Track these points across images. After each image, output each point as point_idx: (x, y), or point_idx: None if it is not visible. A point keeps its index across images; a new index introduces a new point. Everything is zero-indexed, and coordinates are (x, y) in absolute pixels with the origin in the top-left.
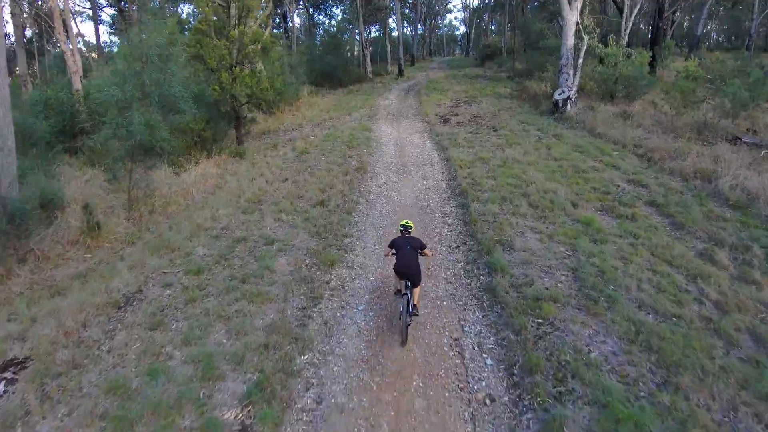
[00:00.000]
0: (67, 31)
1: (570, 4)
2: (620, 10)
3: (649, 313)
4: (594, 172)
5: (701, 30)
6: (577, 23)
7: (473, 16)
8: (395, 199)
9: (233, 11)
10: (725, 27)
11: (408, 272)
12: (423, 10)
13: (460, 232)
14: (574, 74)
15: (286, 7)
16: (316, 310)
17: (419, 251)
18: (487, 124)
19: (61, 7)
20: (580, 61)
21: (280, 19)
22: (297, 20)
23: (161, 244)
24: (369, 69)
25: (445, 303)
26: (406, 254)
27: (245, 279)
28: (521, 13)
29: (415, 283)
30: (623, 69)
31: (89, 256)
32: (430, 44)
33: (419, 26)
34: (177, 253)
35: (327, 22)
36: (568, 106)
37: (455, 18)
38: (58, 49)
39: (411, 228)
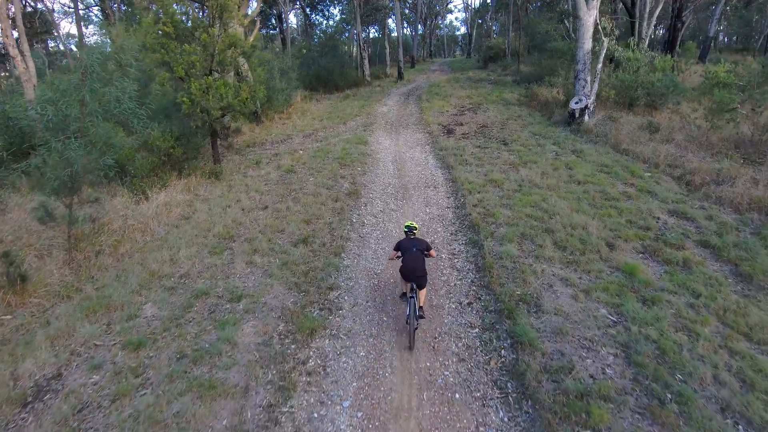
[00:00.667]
0: (18, 31)
1: (587, 3)
2: (629, 11)
3: (738, 424)
4: (627, 199)
5: (713, 31)
6: (595, 24)
7: (474, 16)
8: (394, 233)
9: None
10: (732, 28)
11: (415, 275)
12: (423, 10)
13: (472, 281)
14: (593, 81)
15: (281, 7)
16: (285, 409)
17: (425, 253)
18: (495, 137)
19: None
20: (599, 66)
21: (275, 19)
22: (294, 20)
23: (101, 301)
24: (367, 72)
25: (457, 395)
26: (413, 256)
27: (197, 358)
28: (525, 13)
29: (422, 285)
30: (646, 75)
31: (8, 317)
32: (430, 45)
33: (419, 26)
34: (119, 314)
35: (325, 22)
36: (586, 117)
37: (455, 18)
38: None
39: (416, 229)
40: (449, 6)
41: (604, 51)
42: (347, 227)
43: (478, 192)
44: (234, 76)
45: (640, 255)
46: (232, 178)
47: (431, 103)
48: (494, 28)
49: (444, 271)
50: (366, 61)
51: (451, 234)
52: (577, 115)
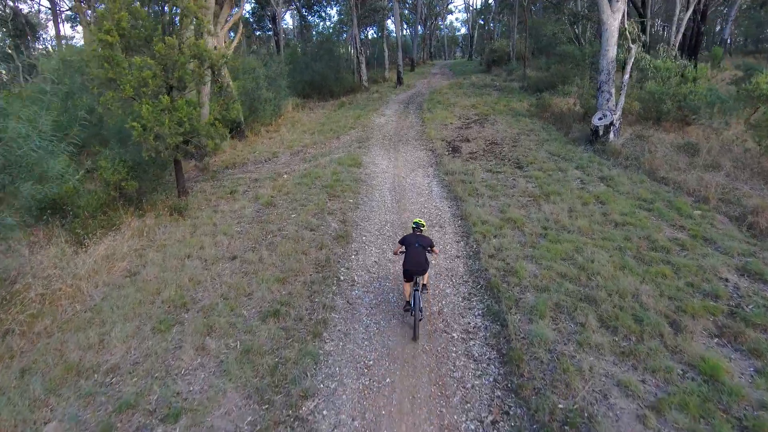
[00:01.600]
0: None
1: (611, 4)
2: (639, 12)
3: None
4: (680, 250)
5: (727, 33)
6: (620, 29)
7: (476, 17)
8: (391, 297)
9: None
10: (742, 30)
11: (418, 269)
12: (423, 10)
13: (495, 381)
14: (618, 94)
15: (274, 8)
16: None
17: (428, 250)
18: (508, 157)
19: None
20: (626, 77)
21: (269, 21)
22: (290, 21)
23: None
24: (364, 77)
25: None
26: (416, 252)
27: None
28: (530, 14)
29: (422, 274)
30: (678, 86)
31: None
32: (430, 46)
33: (419, 28)
34: None
35: (321, 23)
36: (611, 135)
37: (456, 19)
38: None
39: (423, 226)
40: (449, 6)
41: (632, 59)
42: (332, 289)
43: (494, 236)
44: (214, 87)
45: (716, 340)
46: (199, 214)
47: (433, 113)
48: (494, 28)
49: (457, 362)
50: (363, 66)
51: (464, 299)
52: (601, 133)
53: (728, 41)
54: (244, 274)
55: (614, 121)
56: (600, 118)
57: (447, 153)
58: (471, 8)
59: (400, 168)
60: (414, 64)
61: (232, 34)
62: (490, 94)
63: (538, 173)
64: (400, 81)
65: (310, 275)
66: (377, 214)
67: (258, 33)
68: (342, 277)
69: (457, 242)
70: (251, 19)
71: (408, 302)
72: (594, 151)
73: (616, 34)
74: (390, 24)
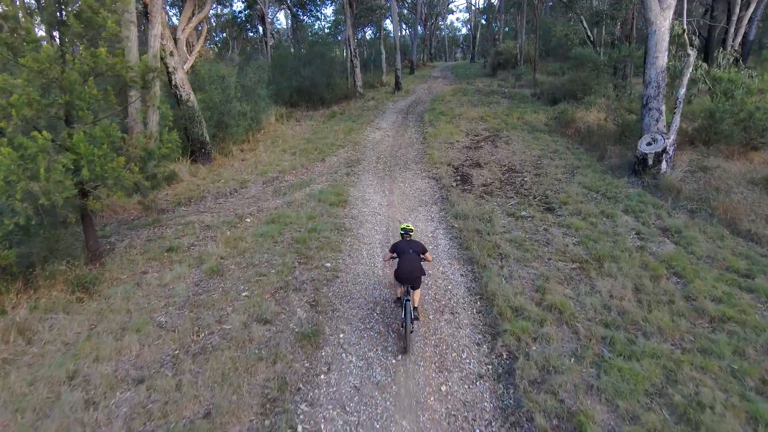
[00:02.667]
0: None
1: (660, 1)
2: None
3: None
4: None
5: (753, 34)
6: (671, 32)
7: (477, 15)
8: None
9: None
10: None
11: (412, 277)
12: (423, 10)
13: None
14: (672, 113)
15: (263, 7)
16: None
17: (421, 255)
18: (533, 192)
19: None
20: (682, 92)
21: (258, 21)
22: (284, 21)
23: None
24: (359, 82)
25: None
26: (410, 259)
27: None
28: (538, 13)
29: (416, 286)
30: (745, 102)
31: None
32: (430, 48)
33: (419, 28)
34: None
35: (317, 23)
36: (664, 165)
37: (457, 19)
38: None
39: (412, 231)
40: (450, 6)
41: (690, 69)
42: None
43: (534, 337)
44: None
45: None
46: (115, 291)
47: (436, 127)
48: (499, 29)
49: None
50: (358, 70)
51: None
52: (650, 162)
53: (753, 41)
54: (147, 419)
55: (667, 148)
56: (649, 143)
57: (455, 183)
58: (473, 7)
59: (397, 206)
60: (413, 67)
61: (224, 34)
62: (499, 103)
63: (577, 221)
64: (398, 86)
65: (251, 422)
66: (362, 290)
67: (252, 34)
68: (300, 429)
69: (478, 346)
70: (239, 20)
71: (399, 298)
72: (643, 185)
73: (667, 37)
74: (388, 24)
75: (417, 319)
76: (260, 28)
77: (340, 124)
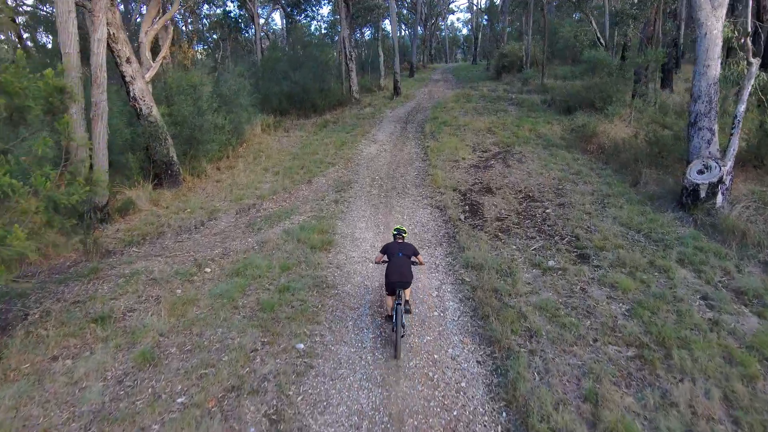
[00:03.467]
0: None
1: (712, 1)
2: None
3: None
4: None
5: None
6: (723, 35)
7: (478, 16)
8: None
9: None
10: None
11: (402, 280)
12: (423, 10)
13: None
14: (730, 133)
15: (252, 7)
16: None
17: (412, 258)
18: (560, 232)
19: None
20: (742, 108)
21: (250, 21)
22: (280, 22)
23: None
24: (354, 87)
25: None
26: (399, 262)
27: None
28: (546, 13)
29: (406, 287)
30: None
31: None
32: (430, 49)
33: (419, 29)
34: None
35: (314, 24)
36: (719, 198)
37: (457, 19)
38: None
39: (405, 233)
40: (451, 6)
41: (752, 80)
42: None
43: None
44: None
45: None
46: (1, 395)
47: (439, 140)
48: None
49: None
50: (353, 74)
51: None
52: (702, 194)
53: None
54: None
55: (723, 177)
56: (701, 171)
57: (463, 216)
58: (475, 7)
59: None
60: (413, 70)
61: (216, 35)
62: (507, 111)
63: (623, 278)
64: (397, 91)
65: None
66: (346, 388)
67: (246, 34)
68: None
69: None
70: (229, 20)
71: (390, 315)
72: (695, 224)
73: (720, 42)
74: (387, 25)
75: (409, 312)
76: (253, 29)
77: (333, 135)
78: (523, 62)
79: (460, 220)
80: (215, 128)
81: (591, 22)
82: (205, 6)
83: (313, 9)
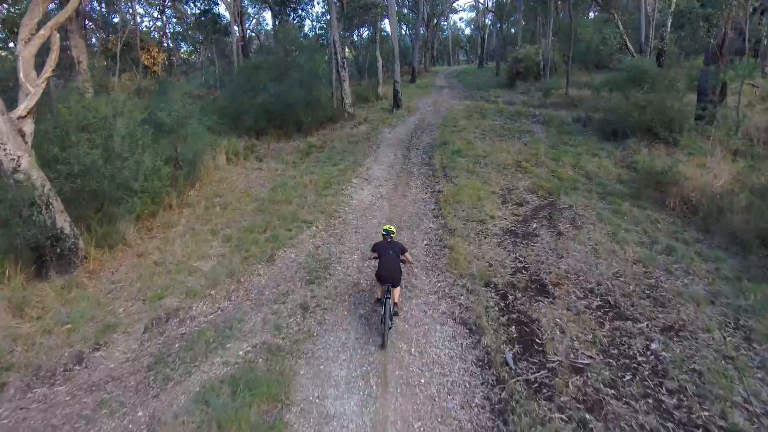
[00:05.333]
0: None
1: None
2: None
3: None
4: None
5: None
6: None
7: (484, 14)
8: None
9: None
10: None
11: (391, 277)
12: (425, 9)
13: None
14: None
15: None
16: None
17: (400, 257)
18: (703, 422)
19: None
20: None
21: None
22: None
23: None
24: (348, 99)
25: None
26: (389, 259)
27: None
28: (559, 13)
29: (396, 284)
30: None
31: None
32: (432, 51)
33: (421, 29)
34: None
35: (307, 24)
36: None
37: (460, 19)
38: None
39: (393, 233)
40: (454, 5)
41: None
42: None
43: None
44: None
45: None
46: None
47: (454, 182)
48: (516, 30)
49: None
50: (346, 84)
51: None
52: None
53: None
54: None
55: None
56: None
57: (510, 352)
58: (481, 6)
59: None
60: (414, 74)
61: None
62: (534, 134)
63: None
64: (397, 103)
65: None
66: None
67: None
68: None
69: None
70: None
71: (379, 299)
72: None
73: None
74: (386, 25)
75: (397, 314)
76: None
77: (316, 168)
78: (540, 68)
79: (506, 367)
80: (147, 173)
81: (617, 24)
82: (190, 3)
83: (305, 7)
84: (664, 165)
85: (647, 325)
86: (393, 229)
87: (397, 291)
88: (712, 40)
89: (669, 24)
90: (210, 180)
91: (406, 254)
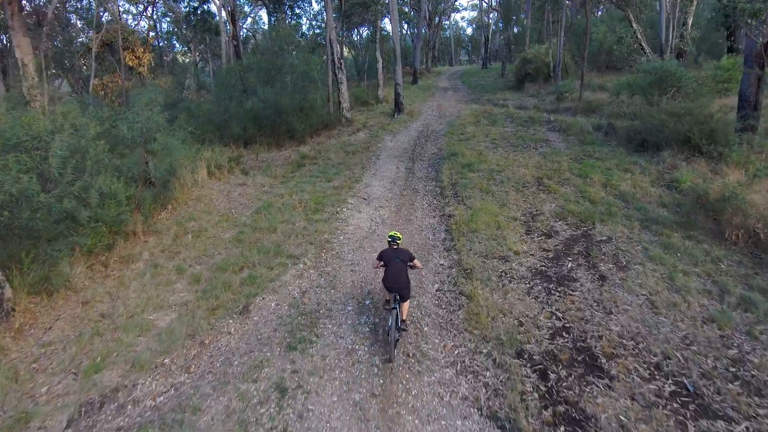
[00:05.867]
0: None
1: None
2: None
3: None
4: None
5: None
6: None
7: (487, 13)
8: None
9: None
10: None
11: (397, 286)
12: (427, 7)
13: None
14: None
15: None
16: None
17: (408, 264)
18: None
19: None
20: None
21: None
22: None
23: None
24: (345, 104)
25: None
26: (395, 267)
27: None
28: (585, 10)
29: (405, 297)
30: None
31: None
32: (434, 50)
33: (423, 29)
34: None
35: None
36: None
37: (462, 18)
38: None
39: (399, 239)
40: (456, 4)
41: None
42: None
43: None
44: None
45: None
46: None
47: (467, 203)
48: (514, 28)
49: None
50: (343, 87)
51: None
52: None
53: None
54: None
55: None
56: None
57: None
58: (485, 4)
59: None
60: (416, 75)
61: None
62: (551, 144)
63: None
64: (399, 107)
65: None
66: None
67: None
68: None
69: None
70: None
71: (388, 301)
72: None
73: None
74: (387, 24)
75: (405, 330)
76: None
77: (308, 185)
78: (550, 70)
79: None
80: (99, 198)
81: (631, 22)
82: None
83: (301, 5)
84: (721, 189)
85: (747, 428)
86: (399, 235)
87: (405, 306)
88: (761, 39)
89: (690, 22)
90: (187, 198)
91: (415, 261)
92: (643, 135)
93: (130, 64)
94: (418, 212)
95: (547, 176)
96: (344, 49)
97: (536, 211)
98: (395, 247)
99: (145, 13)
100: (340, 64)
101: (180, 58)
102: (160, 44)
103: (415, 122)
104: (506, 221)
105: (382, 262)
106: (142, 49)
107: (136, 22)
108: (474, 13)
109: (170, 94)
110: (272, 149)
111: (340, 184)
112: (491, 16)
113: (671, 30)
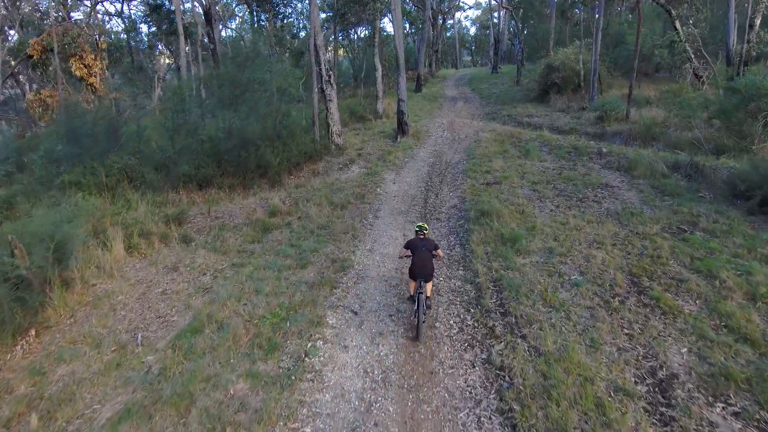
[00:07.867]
0: None
1: None
2: None
3: None
4: None
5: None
6: None
7: (494, 11)
8: None
9: None
10: None
11: (424, 272)
12: (432, 5)
13: None
14: None
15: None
16: None
17: (432, 252)
18: None
19: None
20: None
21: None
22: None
23: None
24: (335, 127)
25: None
26: (422, 256)
27: None
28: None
29: (428, 279)
30: None
31: None
32: (438, 54)
33: (427, 30)
34: None
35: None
36: None
37: (465, 17)
38: None
39: (426, 230)
40: (460, 3)
41: None
42: None
43: None
44: None
45: None
46: None
47: (530, 343)
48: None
49: None
50: (333, 105)
51: None
52: None
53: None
54: None
55: None
56: None
57: None
58: (494, 1)
59: None
60: (420, 81)
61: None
62: (617, 194)
63: None
64: (402, 129)
65: None
66: None
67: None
68: None
69: None
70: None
71: (412, 296)
72: None
73: None
74: (386, 25)
75: (429, 308)
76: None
77: (270, 276)
78: (581, 78)
79: None
80: None
81: (675, 24)
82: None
83: (290, 3)
84: None
85: None
86: (426, 226)
87: (429, 285)
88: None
89: (758, 22)
90: (78, 302)
91: (438, 251)
92: (764, 190)
93: (78, 74)
94: (444, 352)
95: (645, 271)
96: (339, 51)
97: (658, 364)
98: (422, 236)
99: (93, 13)
100: (329, 77)
101: (161, 63)
102: (132, 45)
103: (424, 148)
104: (609, 393)
105: (408, 251)
106: (93, 56)
107: (97, 21)
108: (478, 12)
109: (112, 118)
110: (236, 193)
111: (317, 274)
112: (502, 14)
113: (734, 32)
